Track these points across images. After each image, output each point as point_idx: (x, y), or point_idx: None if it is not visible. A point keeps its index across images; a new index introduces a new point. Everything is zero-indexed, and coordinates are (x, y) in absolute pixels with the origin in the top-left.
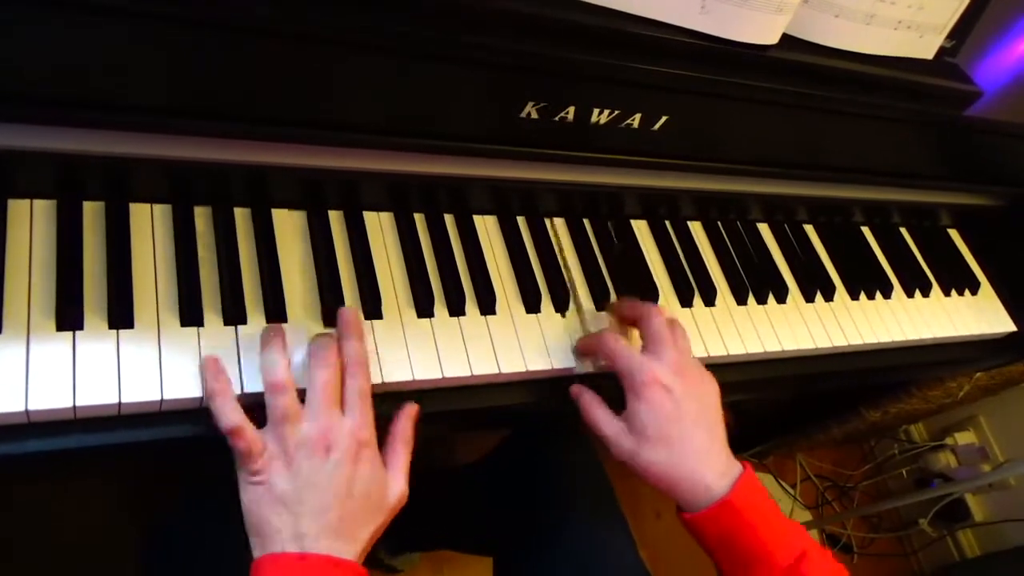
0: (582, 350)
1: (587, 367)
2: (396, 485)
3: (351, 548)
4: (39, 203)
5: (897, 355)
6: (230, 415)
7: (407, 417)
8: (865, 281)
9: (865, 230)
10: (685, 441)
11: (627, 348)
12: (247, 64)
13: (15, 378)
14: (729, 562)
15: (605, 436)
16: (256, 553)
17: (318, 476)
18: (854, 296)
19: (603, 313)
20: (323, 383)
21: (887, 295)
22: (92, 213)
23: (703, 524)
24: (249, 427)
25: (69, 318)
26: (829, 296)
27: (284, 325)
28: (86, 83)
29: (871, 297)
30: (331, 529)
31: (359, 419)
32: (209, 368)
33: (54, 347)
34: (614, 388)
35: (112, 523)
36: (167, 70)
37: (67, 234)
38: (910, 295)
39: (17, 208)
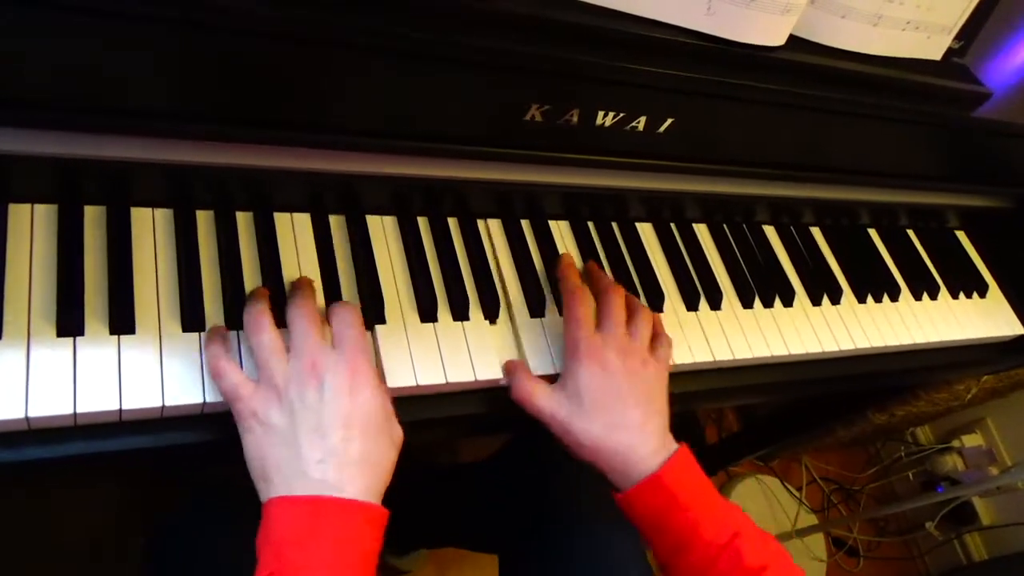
0: (560, 273)
1: None
2: (396, 430)
3: (361, 477)
4: (40, 207)
5: (904, 359)
6: (219, 358)
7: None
8: (872, 284)
9: (872, 232)
10: (619, 414)
11: (586, 318)
12: (248, 67)
13: (15, 384)
14: (661, 541)
15: (540, 408)
16: (263, 499)
17: (312, 404)
18: (861, 299)
19: None
20: (304, 321)
21: (894, 298)
22: (93, 217)
23: (633, 501)
24: (236, 368)
25: (70, 324)
26: (836, 299)
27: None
28: (86, 87)
29: (878, 300)
30: (335, 454)
31: (352, 349)
32: (211, 331)
33: (55, 353)
34: None
35: (114, 526)
36: (167, 74)
37: (68, 239)
38: (918, 298)
39: (18, 212)
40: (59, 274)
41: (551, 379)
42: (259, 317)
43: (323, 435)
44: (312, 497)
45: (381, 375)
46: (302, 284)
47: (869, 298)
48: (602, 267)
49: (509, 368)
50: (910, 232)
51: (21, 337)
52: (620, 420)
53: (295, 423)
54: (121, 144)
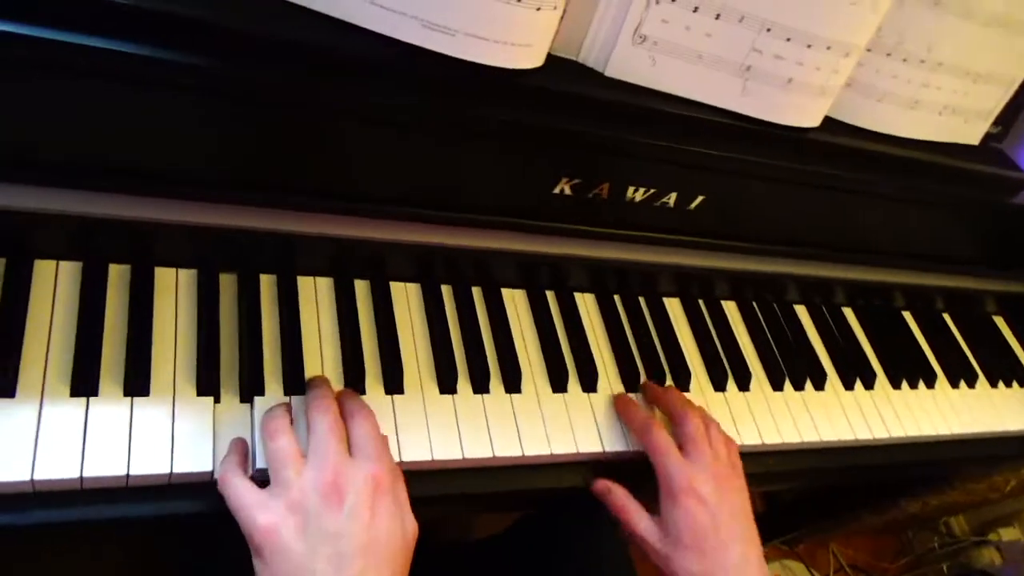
0: (625, 414)
1: (616, 447)
2: (410, 523)
3: None
4: (65, 264)
5: (940, 449)
6: (225, 467)
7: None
8: (907, 369)
9: (907, 315)
10: (720, 553)
11: (668, 446)
12: (275, 135)
13: (24, 446)
14: None
15: (639, 536)
16: None
17: (332, 527)
18: (895, 385)
19: (632, 395)
20: (327, 428)
21: (930, 385)
22: (117, 276)
23: None
24: (243, 480)
25: (84, 384)
26: (869, 384)
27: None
28: (114, 149)
29: (913, 386)
30: None
31: (374, 461)
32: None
33: (66, 413)
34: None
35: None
36: (193, 139)
37: (90, 297)
38: (955, 385)
39: (43, 269)
40: (78, 333)
41: (576, 460)
42: (276, 421)
43: (342, 565)
44: None
45: (396, 449)
46: (320, 382)
47: (904, 384)
48: (627, 339)
49: (601, 489)
50: (946, 316)
51: (35, 396)
52: (722, 560)
53: (312, 547)
54: (147, 205)
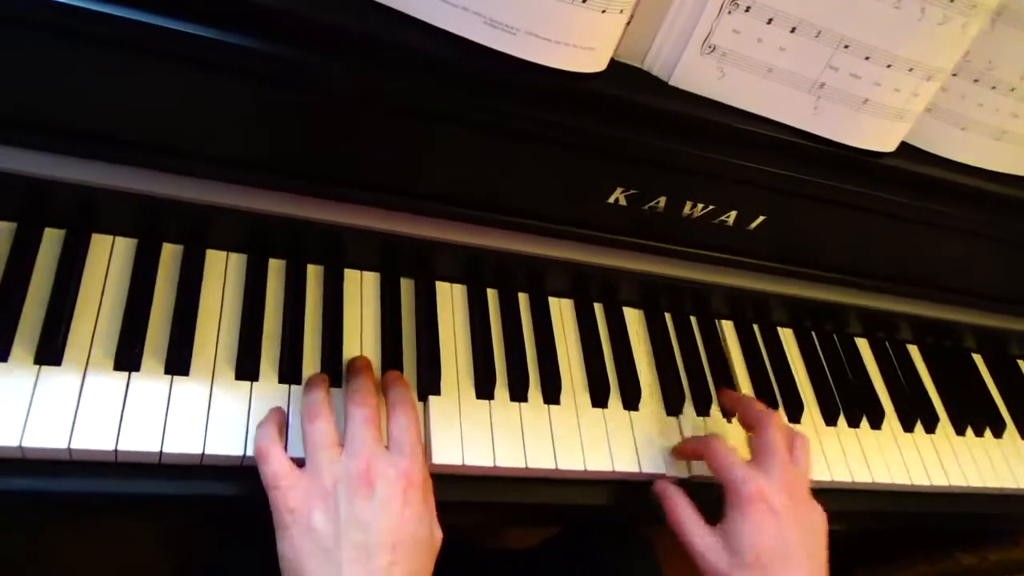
0: (680, 453)
1: (653, 469)
2: (436, 530)
3: None
4: (121, 240)
5: (1006, 503)
6: (268, 441)
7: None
8: (974, 415)
9: (977, 358)
10: (785, 574)
11: (734, 455)
12: (335, 127)
13: (64, 414)
14: None
15: (693, 547)
16: None
17: (361, 516)
18: (959, 431)
19: (673, 418)
20: (363, 418)
21: (998, 434)
22: (169, 255)
23: None
24: (283, 455)
25: (127, 358)
26: (931, 427)
27: (339, 390)
28: (180, 133)
29: (979, 434)
30: None
31: (407, 457)
32: (271, 412)
33: (108, 385)
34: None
35: (151, 563)
36: (255, 128)
37: (142, 274)
38: None
39: (99, 243)
40: (127, 308)
41: (611, 479)
42: (317, 405)
43: (369, 555)
44: None
45: (427, 450)
46: (362, 370)
47: (969, 430)
48: (674, 359)
49: (660, 489)
50: (1021, 363)
51: (79, 366)
52: None
53: (339, 534)
54: (207, 188)
